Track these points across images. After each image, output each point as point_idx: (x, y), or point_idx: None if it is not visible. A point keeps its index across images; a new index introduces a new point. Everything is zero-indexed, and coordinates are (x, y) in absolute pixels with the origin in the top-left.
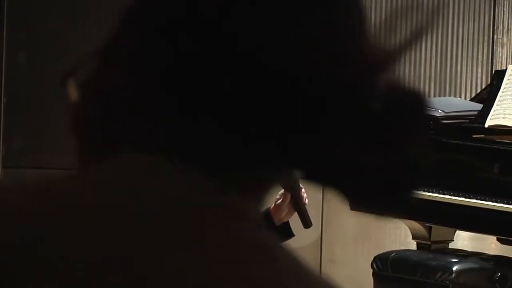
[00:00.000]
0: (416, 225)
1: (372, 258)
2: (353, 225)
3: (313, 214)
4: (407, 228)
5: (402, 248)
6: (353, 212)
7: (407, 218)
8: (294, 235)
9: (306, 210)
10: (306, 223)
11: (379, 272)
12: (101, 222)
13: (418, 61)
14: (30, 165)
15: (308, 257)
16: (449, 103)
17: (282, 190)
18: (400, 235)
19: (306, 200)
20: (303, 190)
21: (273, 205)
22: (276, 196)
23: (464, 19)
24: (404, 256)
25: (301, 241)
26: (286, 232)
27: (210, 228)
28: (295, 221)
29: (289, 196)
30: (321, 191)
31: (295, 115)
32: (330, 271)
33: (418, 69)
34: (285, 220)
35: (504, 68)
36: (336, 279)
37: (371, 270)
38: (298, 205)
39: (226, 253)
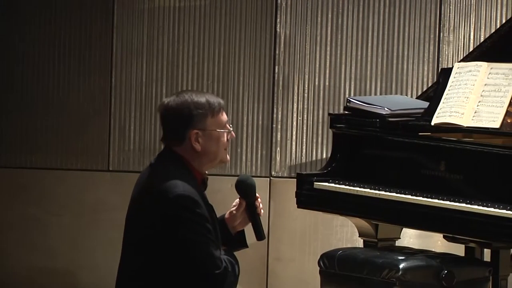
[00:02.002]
0: (363, 223)
1: (319, 256)
2: (300, 223)
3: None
4: (353, 226)
5: (349, 246)
6: (300, 210)
7: (354, 216)
8: (248, 247)
9: (260, 221)
10: (260, 235)
11: (326, 270)
12: None
13: (364, 60)
14: None
15: (255, 256)
16: (396, 101)
17: (238, 198)
18: (346, 233)
19: (262, 211)
20: (259, 199)
21: (228, 212)
22: (232, 204)
23: (410, 17)
24: (351, 254)
25: (248, 239)
26: (241, 241)
27: None
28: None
29: (244, 204)
30: (268, 189)
31: None
32: (277, 269)
33: (365, 67)
34: (239, 229)
35: (450, 66)
36: (283, 277)
37: (318, 268)
38: (253, 214)
39: None
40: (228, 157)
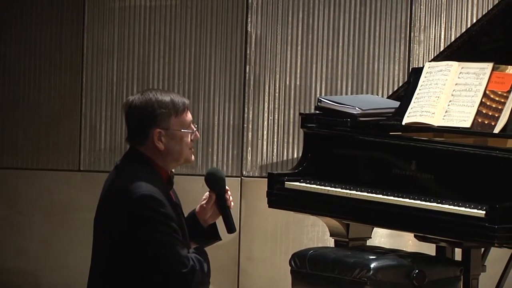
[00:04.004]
0: (334, 222)
1: (290, 256)
2: (271, 222)
3: (231, 211)
4: (324, 225)
5: (320, 245)
6: (271, 210)
7: (325, 216)
8: (221, 239)
9: (230, 213)
10: (231, 228)
11: (297, 269)
12: None
13: (335, 59)
14: None
15: (226, 255)
16: (367, 101)
17: (208, 191)
18: (318, 233)
19: (232, 203)
20: (229, 192)
21: (198, 206)
22: (203, 197)
23: (381, 17)
24: (322, 253)
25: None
26: (214, 234)
27: None
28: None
29: (214, 197)
30: (239, 188)
31: None
32: (248, 268)
33: (335, 67)
34: (210, 222)
35: (421, 66)
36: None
37: (289, 268)
38: (223, 207)
39: None
40: (193, 156)
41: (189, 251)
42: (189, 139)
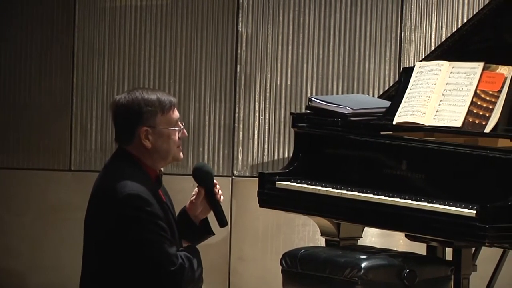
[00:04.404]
0: (325, 222)
1: (281, 255)
2: (262, 222)
3: (222, 205)
4: (315, 225)
5: (311, 245)
6: (261, 209)
7: (316, 215)
8: (214, 234)
9: (221, 207)
10: (222, 222)
11: (288, 269)
12: None
13: (326, 59)
14: None
15: (217, 255)
16: (357, 100)
17: (197, 187)
18: (308, 232)
19: (222, 197)
20: (217, 186)
21: (188, 202)
22: (192, 193)
23: (372, 16)
24: (313, 253)
25: (210, 238)
26: (206, 230)
27: None
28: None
29: (202, 192)
30: (230, 188)
31: None
32: (239, 268)
33: (326, 67)
34: (201, 217)
35: (412, 65)
36: (245, 276)
37: (280, 267)
38: (213, 201)
39: None
40: (181, 154)
41: (180, 249)
42: (177, 137)
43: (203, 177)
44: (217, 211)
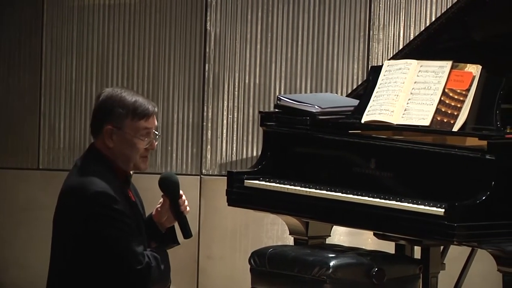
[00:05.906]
0: (293, 220)
1: (249, 254)
2: (230, 221)
3: (191, 210)
4: (284, 223)
5: (280, 243)
6: (230, 208)
7: (284, 214)
8: (179, 243)
9: (185, 219)
10: (186, 233)
11: (257, 267)
12: None
13: (294, 57)
14: None
15: (185, 254)
16: (326, 99)
17: (162, 196)
18: (277, 231)
19: (187, 208)
20: (183, 197)
21: (154, 209)
22: (159, 201)
23: (340, 15)
24: (281, 251)
25: (178, 237)
26: (172, 238)
27: None
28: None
29: (167, 201)
30: (199, 187)
31: None
32: (208, 267)
33: (295, 65)
34: (167, 226)
35: (380, 64)
36: (214, 275)
37: (249, 266)
38: (177, 212)
39: None
40: (145, 165)
41: (148, 249)
42: (142, 147)
43: (168, 187)
44: (181, 223)
